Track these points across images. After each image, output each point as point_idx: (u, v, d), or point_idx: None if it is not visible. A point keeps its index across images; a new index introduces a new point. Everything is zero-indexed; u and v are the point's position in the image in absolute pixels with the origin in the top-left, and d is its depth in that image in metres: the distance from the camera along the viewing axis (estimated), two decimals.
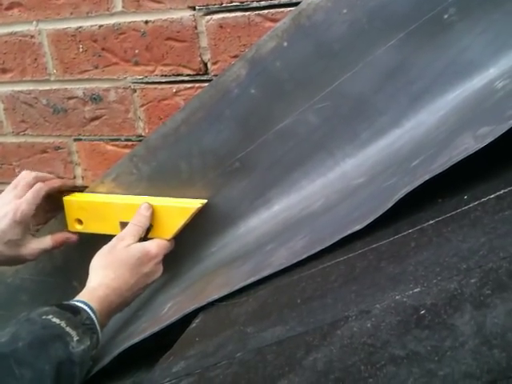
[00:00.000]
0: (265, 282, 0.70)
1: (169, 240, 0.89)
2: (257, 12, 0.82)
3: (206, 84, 0.87)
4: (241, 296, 0.71)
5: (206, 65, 0.88)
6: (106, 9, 0.91)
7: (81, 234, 0.98)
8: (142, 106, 0.94)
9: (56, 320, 0.71)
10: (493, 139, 0.56)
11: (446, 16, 0.73)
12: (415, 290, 0.47)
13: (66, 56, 0.97)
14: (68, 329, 0.70)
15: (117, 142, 0.99)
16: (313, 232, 0.74)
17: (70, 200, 0.98)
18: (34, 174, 0.98)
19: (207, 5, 0.84)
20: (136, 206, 0.89)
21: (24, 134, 1.06)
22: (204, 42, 0.86)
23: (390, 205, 0.61)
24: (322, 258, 0.66)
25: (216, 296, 0.73)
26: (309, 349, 0.49)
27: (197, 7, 0.85)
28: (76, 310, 0.74)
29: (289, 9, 0.79)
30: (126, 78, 0.94)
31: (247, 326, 0.61)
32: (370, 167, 0.79)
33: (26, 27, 0.98)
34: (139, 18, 0.89)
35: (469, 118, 0.68)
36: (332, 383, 0.43)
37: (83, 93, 0.98)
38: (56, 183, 0.99)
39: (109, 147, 1.00)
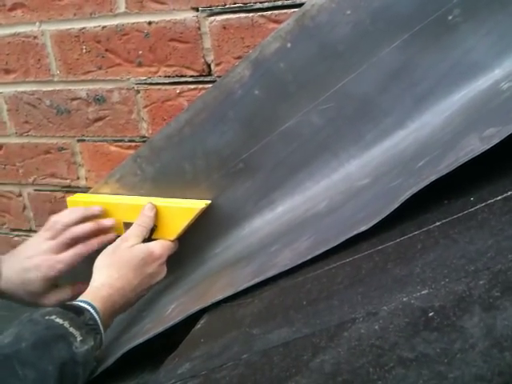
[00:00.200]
0: (270, 283, 0.69)
1: (173, 241, 0.89)
2: (260, 13, 0.82)
3: (210, 85, 0.87)
4: (246, 297, 0.70)
5: (209, 66, 0.88)
6: (110, 10, 0.90)
7: None
8: (146, 106, 0.94)
9: (59, 320, 0.70)
10: (499, 140, 0.56)
11: (450, 17, 0.73)
12: (423, 292, 0.47)
13: (69, 57, 0.97)
14: (71, 329, 0.70)
15: (120, 143, 0.99)
16: (317, 233, 0.74)
17: (74, 201, 0.98)
18: (69, 219, 0.89)
19: (210, 6, 0.84)
20: (140, 206, 0.89)
21: (27, 135, 1.06)
22: (207, 43, 0.86)
23: (396, 206, 0.61)
24: (327, 260, 0.65)
25: (220, 296, 0.73)
26: (316, 351, 0.48)
27: (200, 8, 0.85)
28: (79, 310, 0.74)
29: (292, 10, 0.80)
30: (129, 78, 0.94)
31: (253, 328, 0.60)
32: (374, 168, 0.79)
33: (29, 28, 0.98)
34: (142, 19, 0.89)
35: (474, 119, 0.68)
36: None
37: (87, 94, 0.98)
38: (94, 245, 0.90)
39: (112, 148, 1.00)
